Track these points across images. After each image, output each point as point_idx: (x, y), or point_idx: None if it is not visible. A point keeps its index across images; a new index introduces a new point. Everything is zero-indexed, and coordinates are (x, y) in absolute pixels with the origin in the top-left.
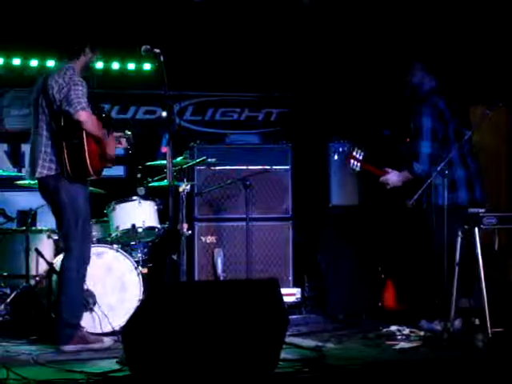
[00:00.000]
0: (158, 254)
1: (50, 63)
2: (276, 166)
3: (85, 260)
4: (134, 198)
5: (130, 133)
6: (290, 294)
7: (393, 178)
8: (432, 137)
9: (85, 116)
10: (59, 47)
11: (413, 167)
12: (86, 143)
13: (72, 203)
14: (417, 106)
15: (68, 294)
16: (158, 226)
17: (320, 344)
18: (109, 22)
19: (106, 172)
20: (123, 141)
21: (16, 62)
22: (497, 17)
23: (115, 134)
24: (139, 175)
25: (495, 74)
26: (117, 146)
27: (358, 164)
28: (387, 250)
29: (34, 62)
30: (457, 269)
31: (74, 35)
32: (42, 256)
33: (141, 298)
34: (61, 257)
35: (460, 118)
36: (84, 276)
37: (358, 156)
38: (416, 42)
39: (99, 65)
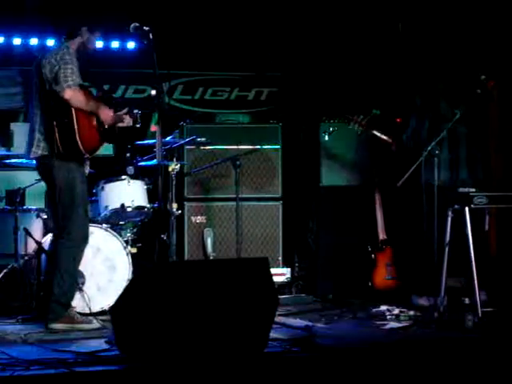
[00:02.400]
0: (148, 234)
1: (33, 41)
2: (266, 145)
3: (82, 240)
4: (123, 177)
5: (139, 112)
6: (280, 274)
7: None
8: (418, 114)
9: (70, 93)
10: (56, 26)
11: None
12: (75, 122)
13: (67, 183)
14: None
15: (61, 272)
16: (148, 205)
17: (310, 324)
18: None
19: None
20: (126, 118)
21: (0, 39)
22: None
23: (118, 113)
24: (128, 154)
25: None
26: (119, 124)
27: (360, 128)
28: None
29: (17, 41)
30: (447, 248)
31: (69, 16)
32: (31, 235)
33: (130, 277)
34: (49, 236)
35: (453, 96)
36: (80, 256)
37: (360, 120)
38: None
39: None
